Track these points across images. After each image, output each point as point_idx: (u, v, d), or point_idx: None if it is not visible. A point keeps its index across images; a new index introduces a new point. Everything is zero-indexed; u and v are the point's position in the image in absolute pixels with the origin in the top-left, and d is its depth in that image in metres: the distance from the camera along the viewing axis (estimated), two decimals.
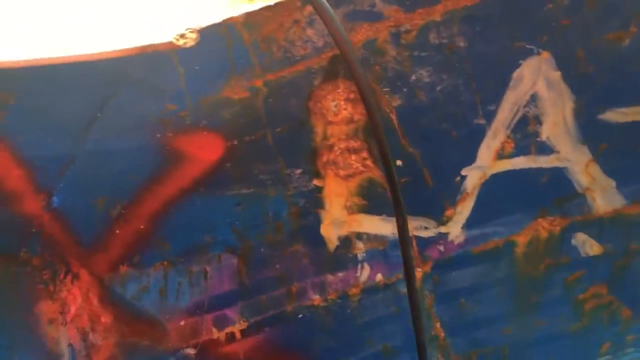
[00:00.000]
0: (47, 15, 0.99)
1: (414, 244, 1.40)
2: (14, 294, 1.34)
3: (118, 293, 1.37)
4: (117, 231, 1.32)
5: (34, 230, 1.27)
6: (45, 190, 1.22)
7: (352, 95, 1.23)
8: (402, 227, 1.25)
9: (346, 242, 1.40)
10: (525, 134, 1.31)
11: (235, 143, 1.26)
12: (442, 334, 1.45)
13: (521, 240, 1.40)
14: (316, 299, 1.41)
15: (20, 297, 1.35)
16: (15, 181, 1.19)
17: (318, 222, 1.38)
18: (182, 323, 1.39)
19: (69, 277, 1.35)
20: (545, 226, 1.38)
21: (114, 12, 1.03)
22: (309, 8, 1.07)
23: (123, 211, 1.30)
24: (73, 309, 1.36)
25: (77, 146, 1.17)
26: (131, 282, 1.37)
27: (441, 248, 1.40)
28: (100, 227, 1.31)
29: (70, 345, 1.36)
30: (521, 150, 1.32)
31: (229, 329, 1.40)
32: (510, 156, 1.33)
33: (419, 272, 1.41)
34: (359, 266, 1.41)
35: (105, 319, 1.37)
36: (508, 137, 1.31)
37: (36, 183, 1.21)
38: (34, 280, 1.34)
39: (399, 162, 1.32)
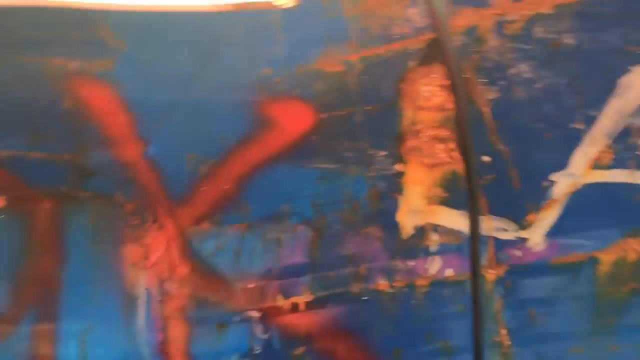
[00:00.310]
0: None
1: (491, 245, 1.36)
2: (106, 233, 1.44)
3: (196, 248, 1.43)
4: (204, 188, 1.38)
5: (130, 176, 1.36)
6: (144, 139, 1.30)
7: (447, 82, 1.22)
8: (473, 224, 1.22)
9: (421, 232, 1.38)
10: (626, 146, 1.24)
11: (325, 117, 1.28)
12: (507, 342, 1.41)
13: (606, 257, 1.32)
14: (383, 284, 1.41)
15: (110, 237, 1.44)
16: (119, 127, 1.27)
17: (395, 207, 1.37)
18: (250, 286, 1.43)
19: (155, 226, 1.43)
20: (634, 247, 1.30)
21: None
22: None
23: (211, 169, 1.35)
24: (154, 257, 1.43)
25: (177, 100, 1.23)
26: (210, 239, 1.43)
27: (518, 253, 1.36)
28: (189, 182, 1.38)
29: (147, 289, 1.43)
30: (620, 163, 1.25)
31: (294, 299, 1.43)
32: (607, 167, 1.26)
33: (492, 275, 1.37)
34: (431, 258, 1.40)
35: (182, 270, 1.44)
36: (608, 147, 1.24)
37: (136, 130, 1.28)
38: (124, 224, 1.43)
39: (487, 159, 1.29)
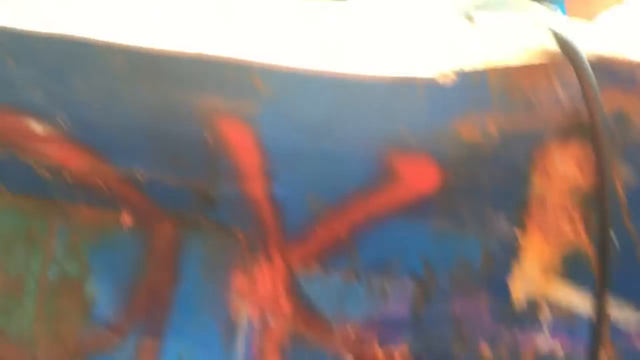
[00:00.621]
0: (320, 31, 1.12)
1: (607, 329, 1.30)
2: (217, 261, 1.51)
3: (302, 286, 1.47)
4: (318, 230, 1.42)
5: (250, 210, 1.42)
6: (271, 178, 1.35)
7: (584, 161, 1.20)
8: (600, 309, 1.18)
9: (533, 303, 1.35)
10: None
11: (450, 178, 1.28)
12: None
13: None
14: (486, 351, 1.38)
15: (221, 265, 1.50)
16: (250, 164, 1.34)
17: (508, 274, 1.35)
18: (350, 331, 1.44)
19: (264, 259, 1.48)
20: None
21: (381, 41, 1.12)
22: (566, 68, 1.06)
23: (329, 212, 1.39)
24: (260, 289, 1.48)
25: (310, 145, 1.28)
26: (316, 280, 1.46)
27: (638, 342, 1.29)
28: (305, 222, 1.42)
29: (249, 320, 1.48)
30: None
31: (392, 351, 1.43)
32: None
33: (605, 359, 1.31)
34: (540, 333, 1.35)
35: (285, 306, 1.47)
36: None
37: (266, 169, 1.34)
38: (236, 253, 1.49)
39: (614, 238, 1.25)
